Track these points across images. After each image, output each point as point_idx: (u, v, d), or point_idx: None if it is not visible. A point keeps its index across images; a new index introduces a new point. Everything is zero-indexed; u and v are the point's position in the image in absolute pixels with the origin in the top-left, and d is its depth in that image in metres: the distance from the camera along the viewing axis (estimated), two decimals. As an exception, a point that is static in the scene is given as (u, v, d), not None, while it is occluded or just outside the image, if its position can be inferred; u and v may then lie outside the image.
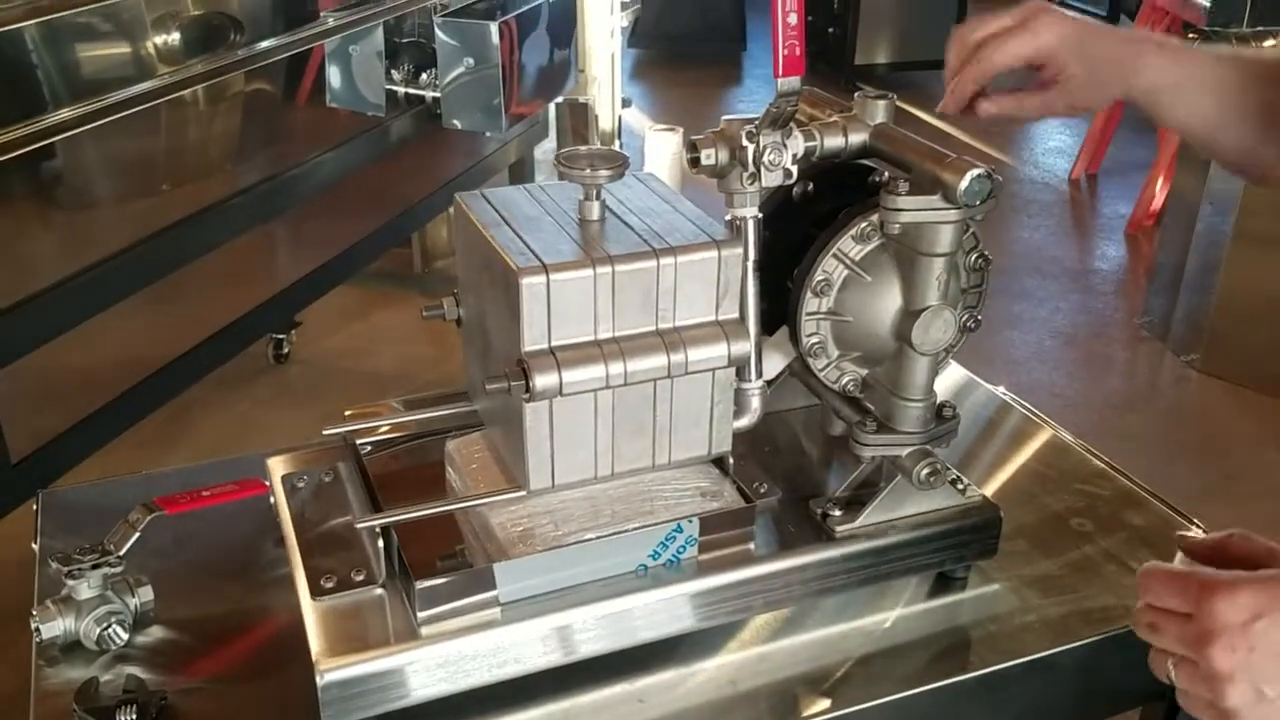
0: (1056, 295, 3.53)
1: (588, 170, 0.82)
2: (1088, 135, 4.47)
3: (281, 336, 3.06)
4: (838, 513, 0.90)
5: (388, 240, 2.74)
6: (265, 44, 2.06)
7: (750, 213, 0.85)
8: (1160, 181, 3.85)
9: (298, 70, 2.20)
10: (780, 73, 0.76)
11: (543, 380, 0.77)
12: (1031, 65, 0.86)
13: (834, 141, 0.85)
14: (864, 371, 0.91)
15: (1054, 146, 4.81)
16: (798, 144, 0.83)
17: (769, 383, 0.92)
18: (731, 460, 0.92)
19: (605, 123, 3.72)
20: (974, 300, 0.91)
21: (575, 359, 0.78)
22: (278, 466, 0.95)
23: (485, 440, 0.93)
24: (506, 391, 0.77)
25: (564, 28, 2.66)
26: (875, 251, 0.86)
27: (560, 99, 3.41)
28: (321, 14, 2.16)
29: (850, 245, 0.86)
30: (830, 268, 0.87)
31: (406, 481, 0.95)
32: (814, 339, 0.89)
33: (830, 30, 5.39)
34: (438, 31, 2.20)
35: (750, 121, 0.82)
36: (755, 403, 0.89)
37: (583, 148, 0.86)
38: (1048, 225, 4.08)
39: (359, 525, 0.81)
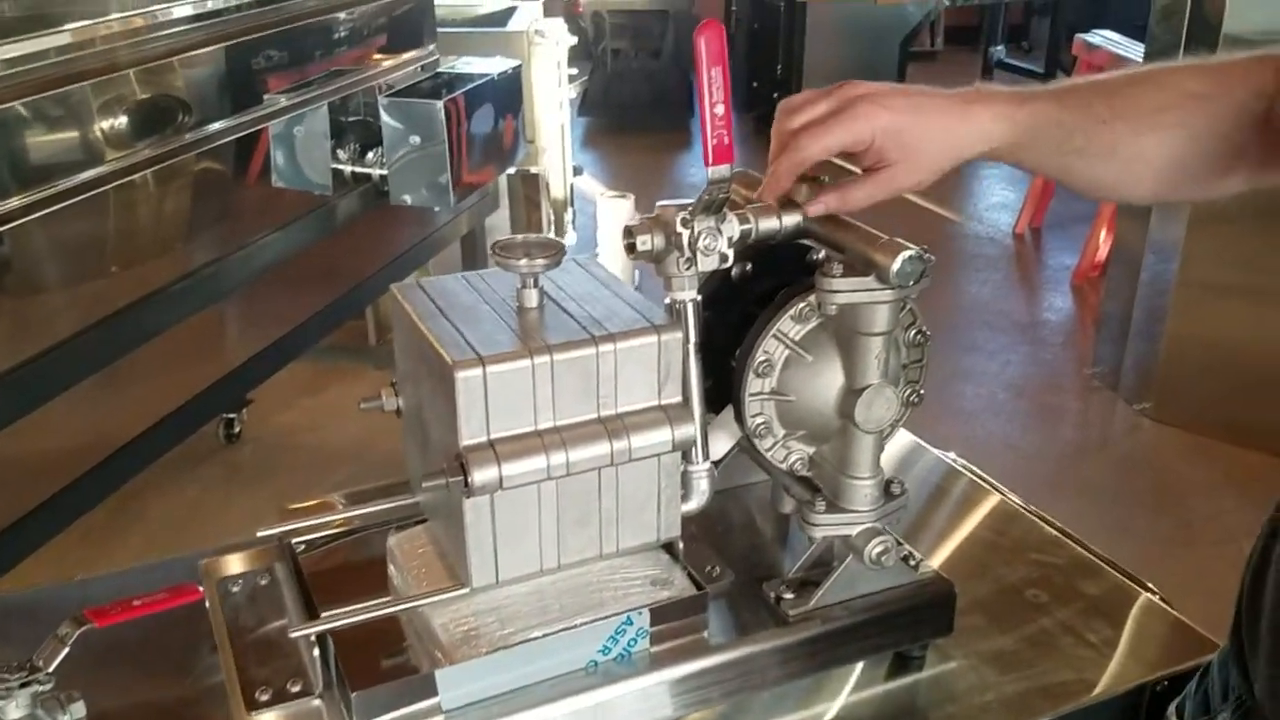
0: (1007, 348, 3.58)
1: (524, 260, 0.81)
2: (1029, 190, 4.58)
3: (233, 415, 3.01)
4: (790, 595, 0.89)
5: (340, 315, 2.71)
6: (210, 128, 2.06)
7: (689, 296, 0.85)
8: (1104, 233, 3.94)
9: (244, 152, 2.19)
10: (710, 162, 0.76)
11: (481, 475, 0.75)
12: (848, 153, 0.85)
13: (769, 224, 0.86)
14: (811, 450, 0.91)
15: (997, 201, 4.92)
16: (733, 228, 0.83)
17: (716, 463, 0.91)
18: (681, 545, 0.90)
19: (557, 191, 3.75)
20: (916, 375, 0.91)
21: (515, 451, 0.77)
22: (212, 569, 0.92)
23: (429, 534, 0.91)
24: (444, 488, 0.75)
25: (511, 101, 2.69)
26: (815, 331, 0.86)
27: (512, 170, 3.43)
28: (266, 96, 2.16)
29: (790, 325, 0.86)
30: (771, 348, 0.86)
31: (347, 580, 0.92)
32: (759, 419, 0.89)
33: (775, 95, 5.50)
34: (383, 112, 2.21)
35: (685, 207, 0.82)
36: (703, 485, 0.88)
37: (519, 236, 0.85)
38: (995, 279, 4.15)
39: (293, 634, 0.78)
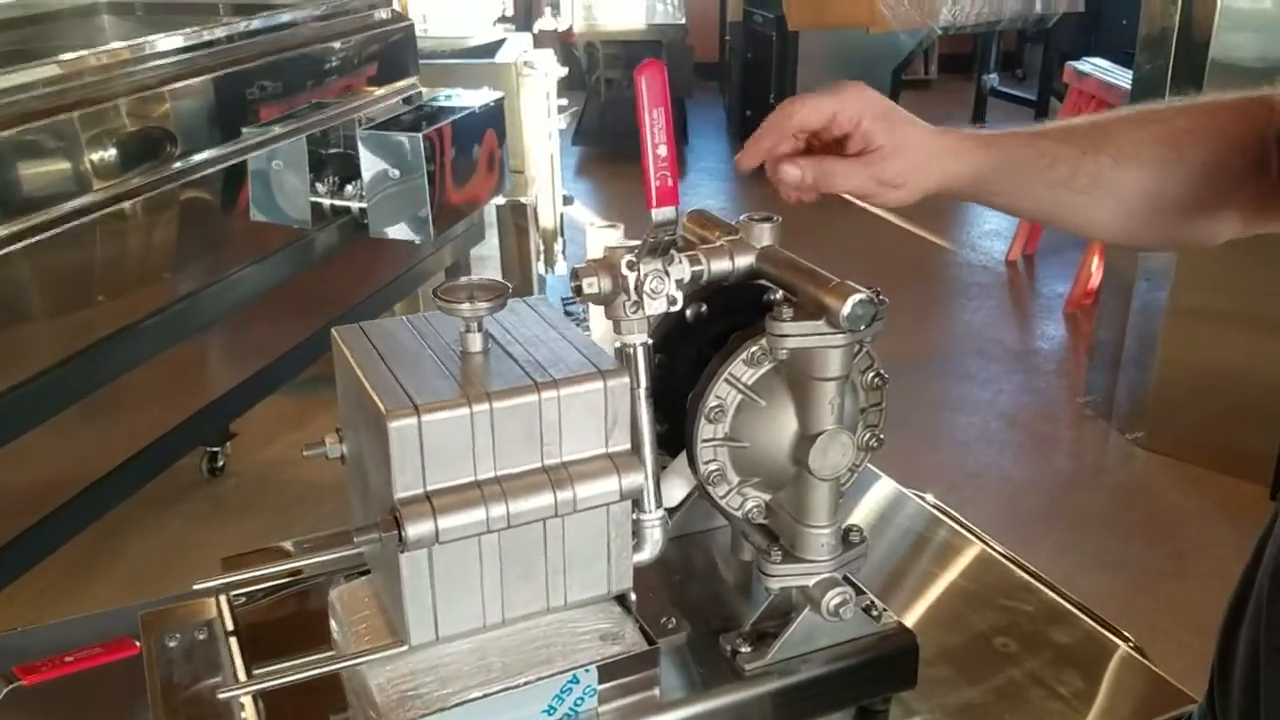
0: (1000, 377, 3.55)
1: (466, 304, 0.79)
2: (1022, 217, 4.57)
3: (216, 449, 2.98)
4: (747, 649, 0.86)
5: (321, 347, 2.69)
6: (187, 161, 2.05)
7: (639, 340, 0.82)
8: (1096, 260, 3.92)
9: (222, 185, 2.18)
10: (654, 204, 0.74)
11: (416, 529, 0.72)
12: (836, 133, 0.82)
13: (720, 266, 0.83)
14: (767, 496, 0.88)
15: (990, 229, 4.90)
16: (681, 270, 0.81)
17: (672, 511, 0.88)
18: (634, 596, 0.87)
19: (547, 221, 3.74)
20: (875, 418, 0.88)
21: (453, 504, 0.74)
22: (151, 622, 0.88)
23: (373, 586, 0.88)
24: (377, 542, 0.73)
25: (495, 132, 2.67)
26: (768, 375, 0.83)
27: (502, 200, 3.43)
28: (244, 130, 2.15)
29: (742, 369, 0.83)
30: (723, 393, 0.84)
31: (290, 634, 0.89)
32: (712, 466, 0.86)
33: (769, 123, 5.50)
34: (361, 145, 2.19)
35: (632, 250, 0.80)
36: (656, 534, 0.85)
37: (463, 279, 0.83)
38: (988, 307, 4.12)
39: (221, 696, 0.75)
